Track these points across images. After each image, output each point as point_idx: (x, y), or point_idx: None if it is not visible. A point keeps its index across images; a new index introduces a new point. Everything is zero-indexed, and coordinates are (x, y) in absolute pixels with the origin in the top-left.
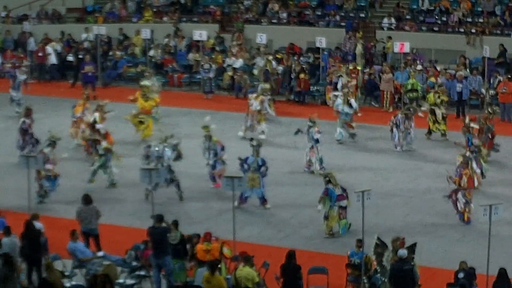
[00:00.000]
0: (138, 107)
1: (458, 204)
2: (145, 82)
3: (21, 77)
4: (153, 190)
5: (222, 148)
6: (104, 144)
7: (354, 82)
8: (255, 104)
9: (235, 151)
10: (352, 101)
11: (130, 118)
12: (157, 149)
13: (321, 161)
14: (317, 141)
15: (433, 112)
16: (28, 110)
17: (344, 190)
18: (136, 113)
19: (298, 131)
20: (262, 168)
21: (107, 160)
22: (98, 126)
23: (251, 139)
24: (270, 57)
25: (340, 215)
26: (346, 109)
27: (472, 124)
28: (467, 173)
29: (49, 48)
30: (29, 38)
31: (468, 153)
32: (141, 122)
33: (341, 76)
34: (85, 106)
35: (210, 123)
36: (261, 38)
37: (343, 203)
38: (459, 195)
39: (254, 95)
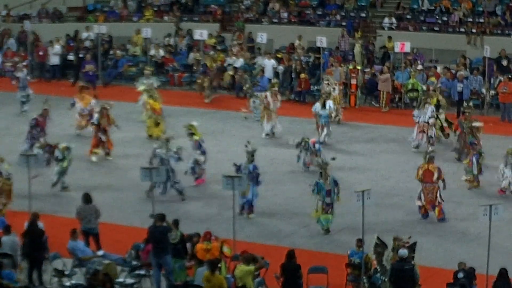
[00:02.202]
0: (148, 108)
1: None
2: (144, 82)
3: (20, 74)
4: (150, 191)
5: (199, 147)
6: (61, 146)
7: (336, 91)
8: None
9: (234, 151)
10: (329, 102)
11: (147, 119)
12: (162, 151)
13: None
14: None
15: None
16: (45, 110)
17: (336, 183)
18: (151, 115)
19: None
20: (253, 174)
21: (67, 162)
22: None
23: (246, 146)
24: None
25: (323, 209)
26: (322, 111)
27: (474, 124)
28: (424, 167)
29: (57, 47)
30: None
31: (430, 149)
32: (157, 124)
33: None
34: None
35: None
36: (262, 38)
37: (328, 200)
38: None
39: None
